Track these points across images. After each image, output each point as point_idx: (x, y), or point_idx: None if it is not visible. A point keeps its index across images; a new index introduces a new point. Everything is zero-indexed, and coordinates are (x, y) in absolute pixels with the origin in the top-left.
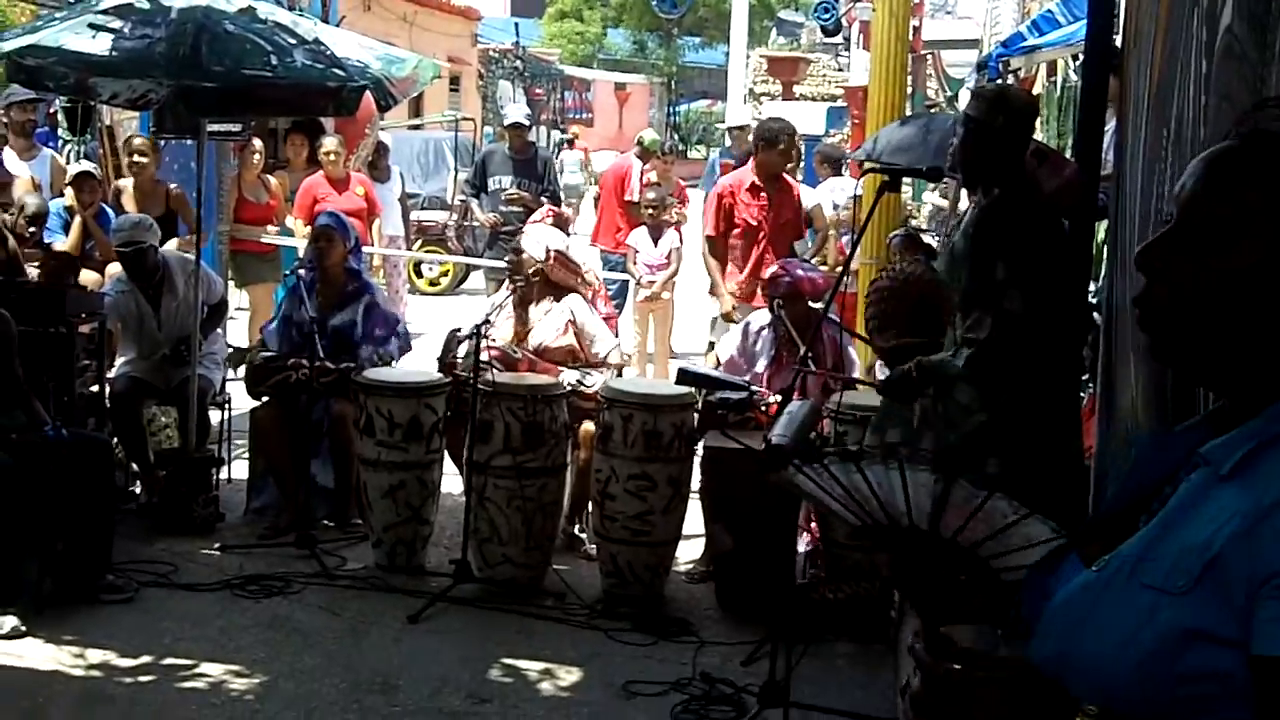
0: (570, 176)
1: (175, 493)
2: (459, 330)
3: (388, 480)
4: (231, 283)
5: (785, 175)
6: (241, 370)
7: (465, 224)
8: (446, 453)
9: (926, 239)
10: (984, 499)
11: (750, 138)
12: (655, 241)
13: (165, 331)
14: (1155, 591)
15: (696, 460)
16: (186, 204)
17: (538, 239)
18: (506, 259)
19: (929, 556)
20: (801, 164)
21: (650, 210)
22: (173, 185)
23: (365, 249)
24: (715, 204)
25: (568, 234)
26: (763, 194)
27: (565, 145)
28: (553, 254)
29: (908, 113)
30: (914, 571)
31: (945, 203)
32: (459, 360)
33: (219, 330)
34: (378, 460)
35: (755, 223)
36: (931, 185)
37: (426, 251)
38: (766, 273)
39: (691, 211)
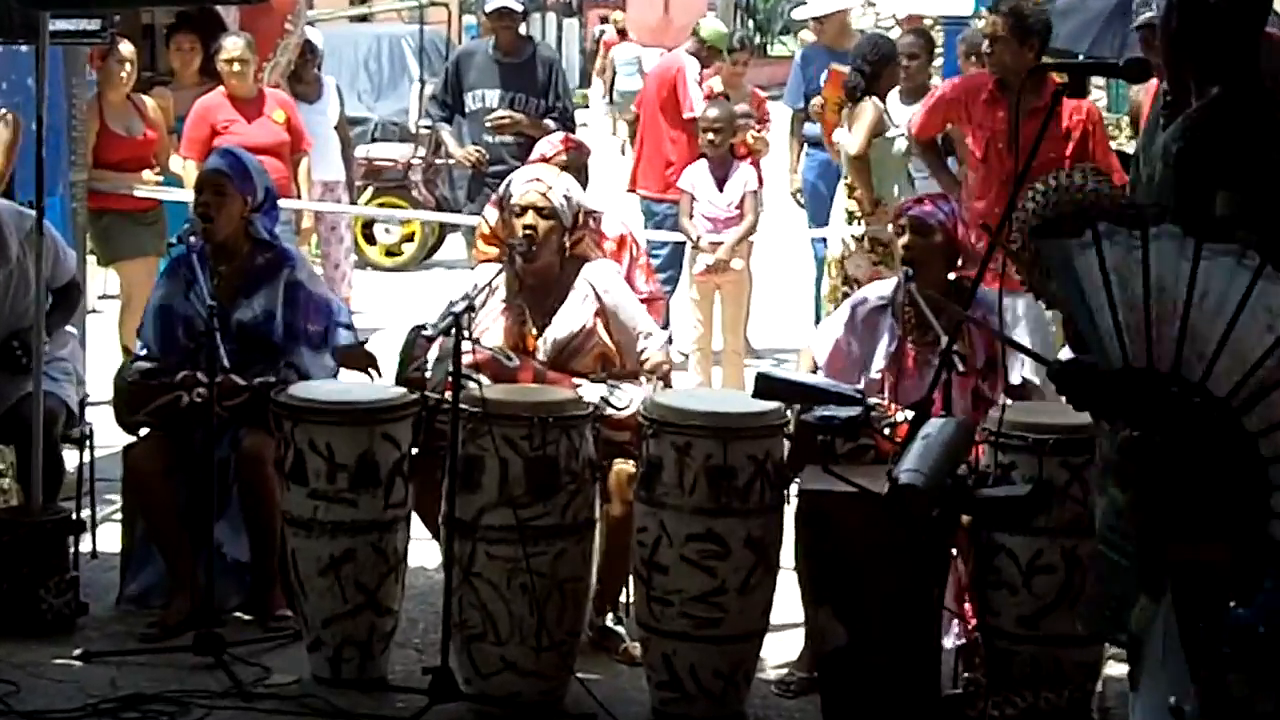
0: (627, 80)
1: (14, 574)
2: (426, 326)
3: (328, 549)
4: (92, 258)
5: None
6: (108, 389)
7: (437, 162)
8: (414, 508)
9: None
10: None
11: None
12: (721, 183)
13: None
14: None
15: (789, 512)
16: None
17: (554, 188)
18: (491, 219)
19: None
20: (940, 58)
21: (714, 135)
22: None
23: (286, 203)
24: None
25: (587, 176)
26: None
27: (605, 39)
28: (582, 213)
29: None
30: None
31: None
32: (429, 371)
33: (70, 328)
34: (313, 520)
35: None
36: (1135, 87)
37: (381, 205)
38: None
39: (775, 134)
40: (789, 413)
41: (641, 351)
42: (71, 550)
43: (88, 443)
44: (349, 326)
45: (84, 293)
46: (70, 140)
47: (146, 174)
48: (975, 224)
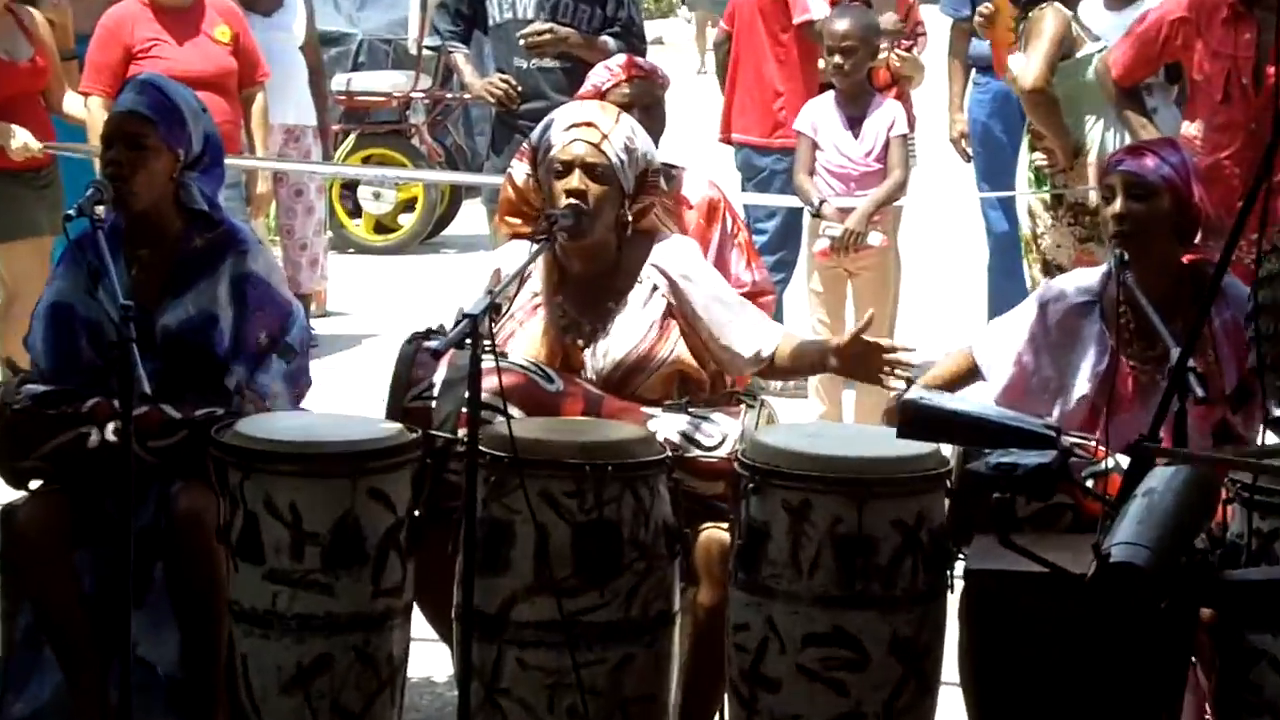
0: None
1: None
2: (432, 334)
3: (294, 656)
4: None
5: None
6: None
7: (448, 98)
8: (416, 597)
9: None
10: None
11: None
12: (855, 125)
13: None
14: None
15: (951, 601)
16: None
17: (611, 136)
18: (520, 180)
19: None
20: None
21: (843, 58)
22: None
23: (233, 161)
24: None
25: (662, 118)
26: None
27: None
28: (651, 171)
29: None
30: None
31: None
32: (434, 399)
33: None
34: (271, 613)
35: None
36: None
37: (368, 161)
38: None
39: (931, 56)
40: (951, 459)
41: (749, 359)
42: None
43: None
44: (292, 354)
45: None
46: None
47: (39, 117)
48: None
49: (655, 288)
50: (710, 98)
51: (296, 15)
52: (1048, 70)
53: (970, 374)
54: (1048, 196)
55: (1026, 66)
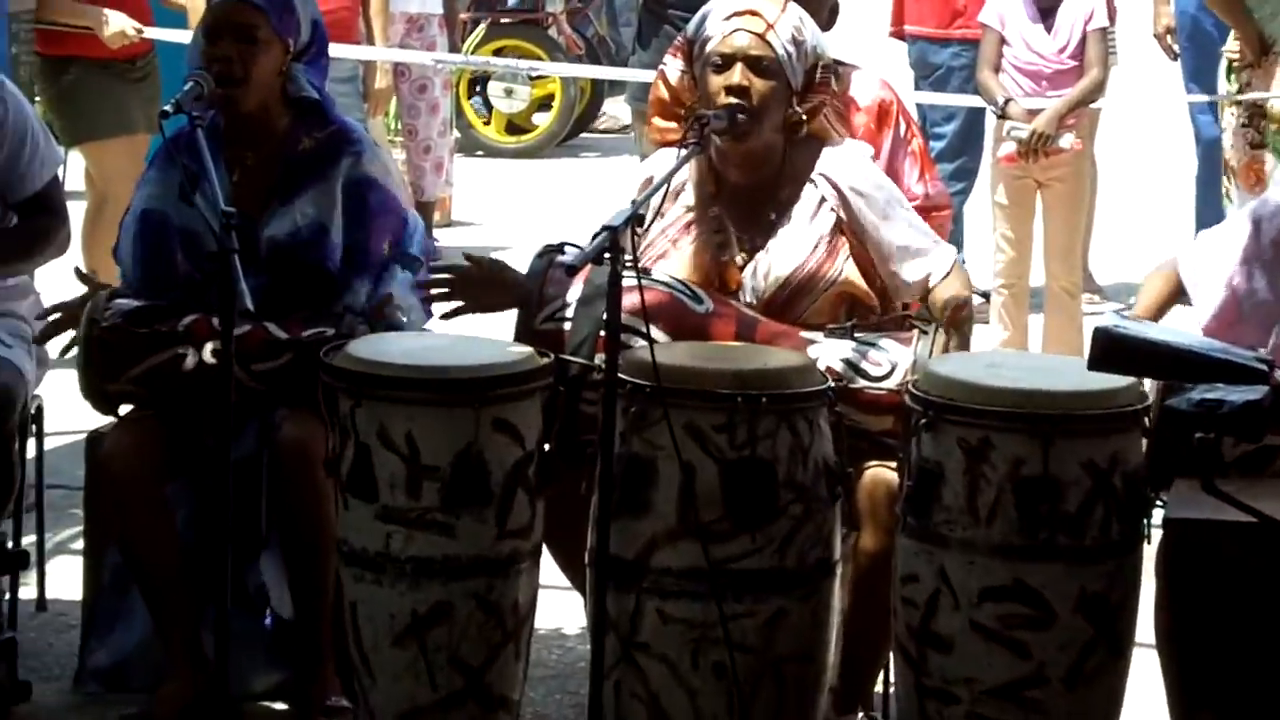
0: None
1: None
2: (566, 248)
3: (409, 603)
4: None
5: None
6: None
7: None
8: (546, 539)
9: None
10: None
11: None
12: (1047, 14)
13: None
14: None
15: (1147, 553)
16: None
17: (777, 25)
18: (672, 76)
19: None
20: None
21: None
22: None
23: (348, 50)
24: None
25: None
26: None
27: None
28: (821, 67)
29: None
30: None
31: None
32: (568, 320)
33: (35, 259)
34: (385, 556)
35: None
36: None
37: (499, 53)
38: None
39: None
40: (1150, 394)
41: (914, 285)
42: (6, 598)
43: (31, 427)
44: (416, 264)
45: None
46: None
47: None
48: None
49: (823, 199)
50: None
51: None
52: None
53: (1179, 295)
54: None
55: None
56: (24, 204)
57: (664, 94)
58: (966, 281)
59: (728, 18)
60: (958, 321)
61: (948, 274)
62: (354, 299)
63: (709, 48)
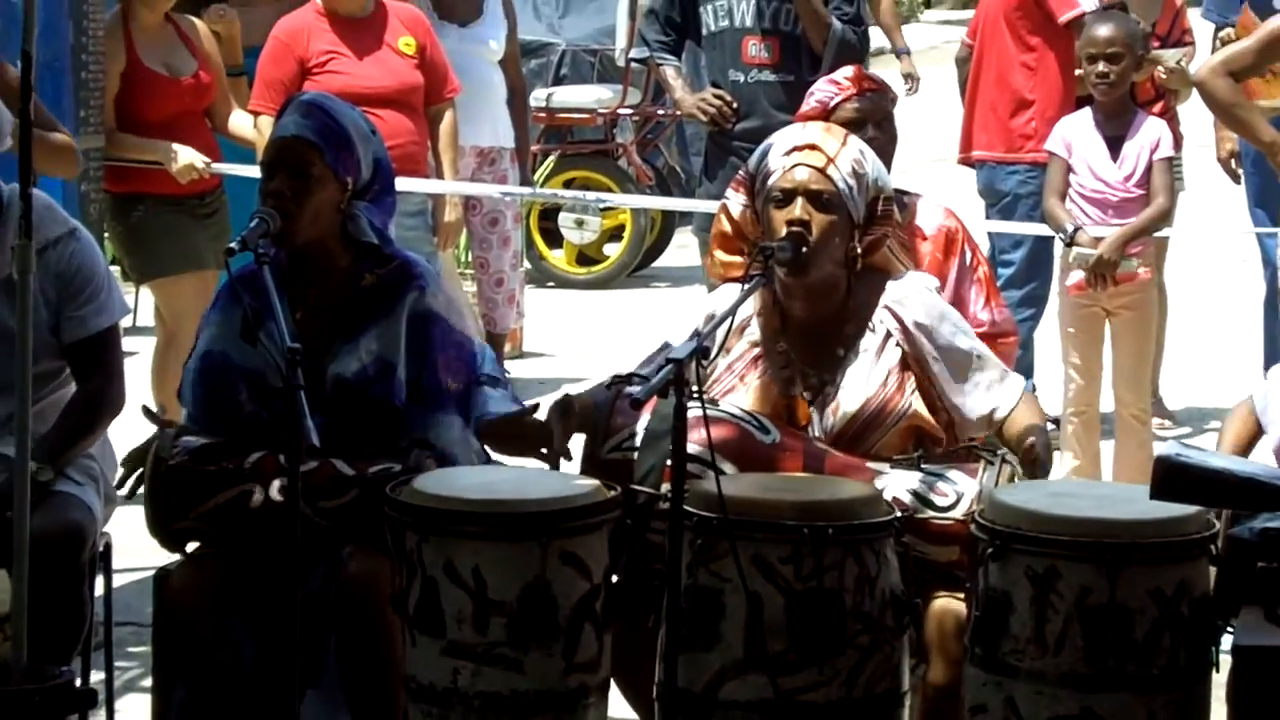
0: None
1: None
2: (634, 379)
3: None
4: (116, 271)
5: None
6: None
7: (660, 114)
8: (613, 674)
9: None
10: None
11: None
12: (1115, 145)
13: None
14: None
15: (1216, 682)
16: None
17: (838, 159)
18: (735, 210)
19: None
20: None
21: (1107, 66)
22: None
23: (419, 184)
24: None
25: (893, 136)
26: None
27: None
28: (883, 199)
29: None
30: None
31: None
32: (635, 451)
33: (98, 432)
34: (453, 691)
35: None
36: None
37: (570, 185)
38: None
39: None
40: (1216, 522)
41: (979, 420)
42: None
43: (99, 564)
44: (500, 382)
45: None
46: (79, 86)
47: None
48: None
49: (889, 334)
50: (924, 118)
51: (497, 27)
52: (1221, 63)
53: (1258, 430)
54: None
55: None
56: (75, 347)
57: (726, 227)
58: (1039, 412)
59: (788, 152)
60: (1032, 459)
61: (1016, 405)
62: (426, 435)
63: (770, 182)
